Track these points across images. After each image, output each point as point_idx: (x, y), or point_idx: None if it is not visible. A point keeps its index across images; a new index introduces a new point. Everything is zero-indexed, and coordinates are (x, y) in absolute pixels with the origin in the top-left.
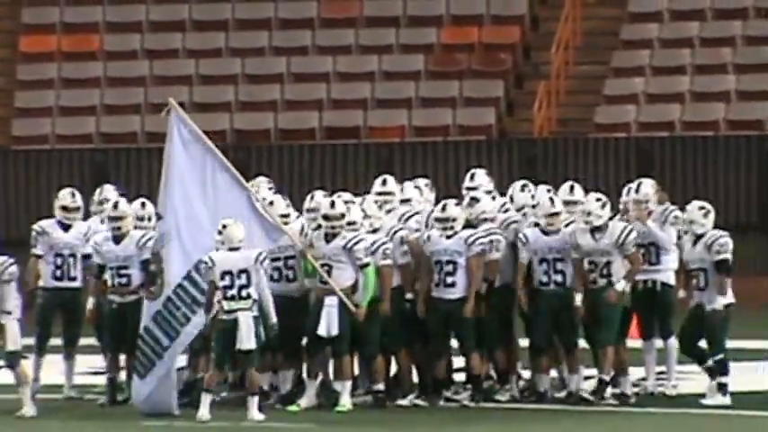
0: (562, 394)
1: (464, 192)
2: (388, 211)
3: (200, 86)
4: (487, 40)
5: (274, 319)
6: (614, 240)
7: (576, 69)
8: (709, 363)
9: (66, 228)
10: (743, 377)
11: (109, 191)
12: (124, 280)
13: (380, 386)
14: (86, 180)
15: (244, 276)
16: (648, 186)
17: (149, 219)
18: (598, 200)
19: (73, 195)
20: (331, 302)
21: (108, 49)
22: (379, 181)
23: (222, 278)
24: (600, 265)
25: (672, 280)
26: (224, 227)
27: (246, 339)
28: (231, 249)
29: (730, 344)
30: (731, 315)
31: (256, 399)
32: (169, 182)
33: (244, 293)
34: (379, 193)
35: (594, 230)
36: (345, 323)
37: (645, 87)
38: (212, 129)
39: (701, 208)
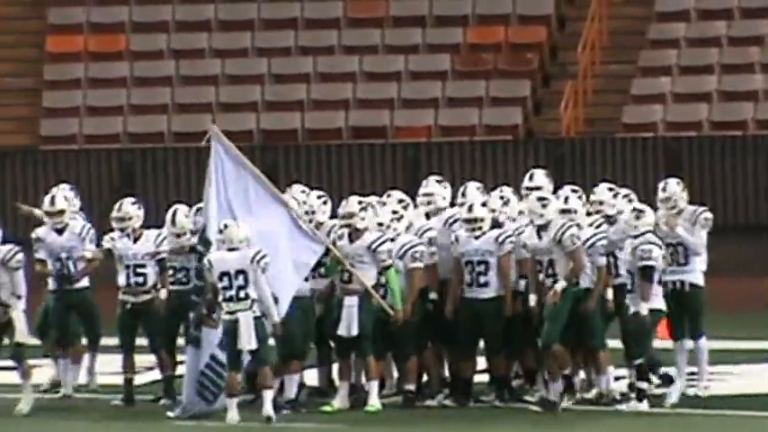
0: (591, 394)
1: (523, 192)
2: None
3: (226, 86)
4: (514, 40)
5: (277, 319)
6: (551, 237)
7: (602, 69)
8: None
9: (59, 231)
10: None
11: (65, 190)
12: (140, 279)
13: (411, 386)
14: (114, 180)
15: (241, 277)
16: (675, 185)
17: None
18: (540, 199)
19: (53, 200)
20: (350, 303)
21: (134, 49)
22: (424, 182)
23: (220, 279)
24: (544, 263)
25: (701, 281)
26: (225, 226)
27: (246, 340)
28: (231, 249)
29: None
30: (656, 322)
31: (270, 393)
32: (216, 208)
33: (242, 294)
34: (424, 194)
35: (540, 229)
36: (367, 323)
37: (672, 87)
38: (239, 129)
39: (634, 210)
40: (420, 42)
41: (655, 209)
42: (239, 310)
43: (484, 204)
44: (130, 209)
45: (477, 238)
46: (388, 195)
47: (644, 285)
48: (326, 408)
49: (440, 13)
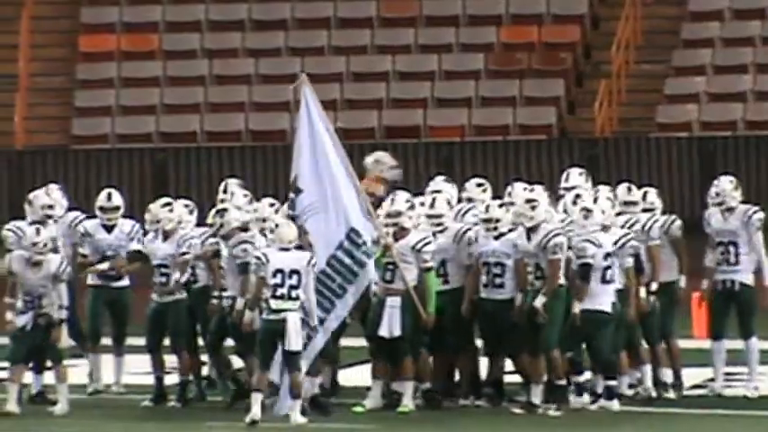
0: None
1: (561, 192)
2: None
3: (259, 86)
4: (548, 39)
5: (316, 323)
6: (538, 242)
7: (636, 68)
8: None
9: (109, 229)
10: None
11: (53, 190)
12: (164, 279)
13: (427, 384)
14: (146, 179)
15: (295, 277)
16: (726, 182)
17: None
18: (528, 200)
19: (109, 196)
20: (393, 303)
21: (167, 48)
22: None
23: (274, 276)
24: (531, 266)
25: (751, 280)
26: (276, 226)
27: (295, 341)
28: (282, 249)
29: None
30: (587, 322)
31: (299, 402)
32: (308, 153)
33: (293, 294)
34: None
35: (530, 231)
36: (409, 324)
37: (706, 86)
38: (271, 128)
39: (583, 209)
40: (453, 42)
41: (691, 208)
42: (288, 309)
43: (502, 205)
44: (159, 211)
45: (496, 238)
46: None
47: (579, 284)
48: (358, 408)
49: (473, 12)
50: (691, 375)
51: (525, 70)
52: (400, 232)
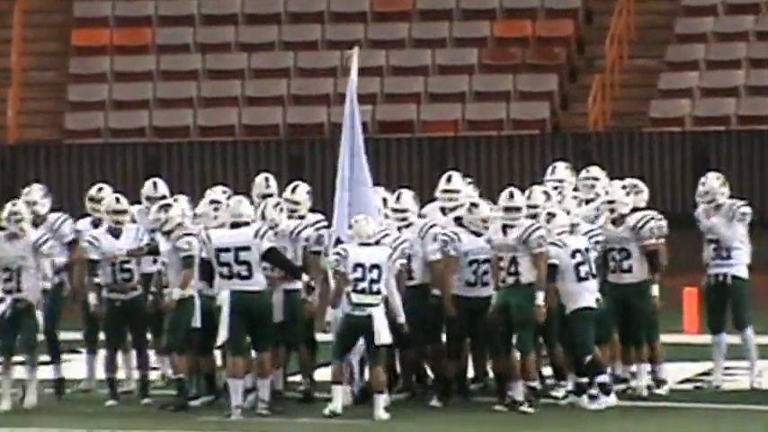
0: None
1: (546, 185)
2: (453, 209)
3: (252, 80)
4: (541, 34)
5: (402, 319)
6: (518, 236)
7: (630, 63)
8: None
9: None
10: None
11: (37, 191)
12: (126, 275)
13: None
14: (139, 174)
15: (375, 271)
16: (714, 180)
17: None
18: (510, 195)
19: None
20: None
21: (160, 42)
22: (444, 178)
23: (354, 270)
24: (506, 261)
25: (744, 273)
26: (355, 221)
27: (384, 334)
28: (361, 245)
29: None
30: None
31: (384, 397)
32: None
33: (374, 288)
34: (445, 191)
35: (506, 226)
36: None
37: (699, 81)
38: (265, 123)
39: (548, 213)
40: (447, 36)
41: (683, 202)
42: (371, 304)
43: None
44: (126, 202)
45: (478, 235)
46: None
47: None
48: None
49: (467, 6)
50: (682, 370)
51: (519, 65)
52: None
